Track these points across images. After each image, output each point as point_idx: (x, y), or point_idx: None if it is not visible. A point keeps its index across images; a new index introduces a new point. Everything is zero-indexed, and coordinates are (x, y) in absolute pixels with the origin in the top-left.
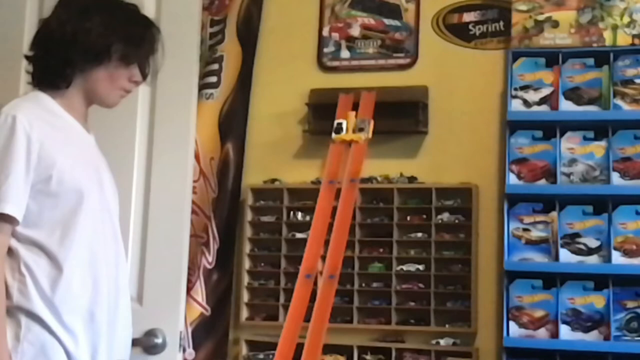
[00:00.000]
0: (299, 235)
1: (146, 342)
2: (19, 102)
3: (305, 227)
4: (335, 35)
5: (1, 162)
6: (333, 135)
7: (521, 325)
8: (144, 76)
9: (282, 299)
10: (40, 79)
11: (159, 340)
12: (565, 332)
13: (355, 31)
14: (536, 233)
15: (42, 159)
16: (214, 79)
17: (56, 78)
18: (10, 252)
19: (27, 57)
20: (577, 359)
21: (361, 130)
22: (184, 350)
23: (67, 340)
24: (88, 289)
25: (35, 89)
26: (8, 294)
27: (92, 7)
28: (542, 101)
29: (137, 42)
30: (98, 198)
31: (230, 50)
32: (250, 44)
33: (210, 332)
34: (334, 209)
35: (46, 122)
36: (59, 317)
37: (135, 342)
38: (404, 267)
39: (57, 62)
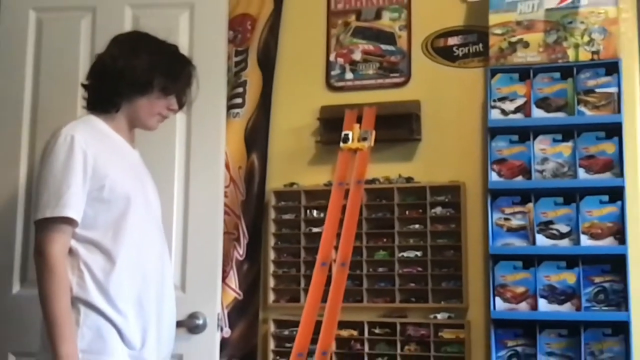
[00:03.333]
0: (315, 230)
1: (189, 324)
2: (76, 124)
3: (320, 222)
4: (340, 60)
5: (63, 174)
6: (341, 144)
7: (505, 300)
8: (181, 105)
9: (302, 284)
10: (94, 105)
11: (200, 322)
12: (543, 304)
13: (357, 56)
14: (515, 222)
15: (96, 172)
16: (239, 100)
17: (107, 104)
18: (70, 251)
19: (83, 86)
20: (553, 328)
21: (364, 139)
22: (222, 330)
23: (121, 323)
24: (137, 280)
25: (89, 113)
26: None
27: (140, 47)
28: (517, 110)
29: (176, 77)
30: (143, 203)
31: (252, 75)
32: (268, 69)
33: (243, 313)
34: (344, 206)
35: (98, 140)
36: (113, 304)
37: (179, 324)
38: (405, 254)
39: (108, 91)
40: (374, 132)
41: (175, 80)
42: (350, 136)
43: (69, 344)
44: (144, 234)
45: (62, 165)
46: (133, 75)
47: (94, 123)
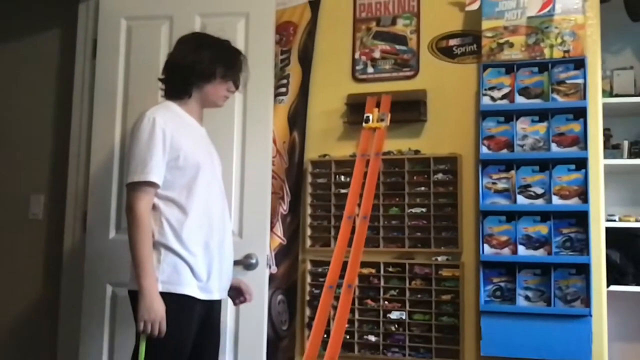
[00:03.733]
0: (342, 191)
1: (245, 262)
2: (157, 108)
3: (346, 185)
4: (364, 58)
5: (147, 148)
6: (363, 124)
7: (492, 246)
8: (237, 87)
9: (332, 233)
10: (170, 93)
11: (253, 261)
12: (521, 250)
13: (377, 54)
14: (501, 185)
15: (172, 145)
16: (284, 89)
17: (181, 92)
18: (153, 207)
19: (160, 79)
20: (529, 268)
21: (382, 120)
22: (270, 267)
23: (192, 261)
24: (204, 228)
25: (166, 100)
26: (152, 234)
27: (202, 44)
28: (503, 97)
29: (232, 66)
30: (209, 169)
31: (294, 70)
32: (307, 65)
33: (286, 255)
34: (365, 173)
35: (174, 121)
36: (185, 247)
37: (237, 263)
38: (413, 210)
39: (180, 82)
40: (389, 115)
41: (232, 68)
42: (370, 118)
43: (149, 278)
44: (210, 193)
45: (146, 141)
46: (199, 68)
47: (171, 107)
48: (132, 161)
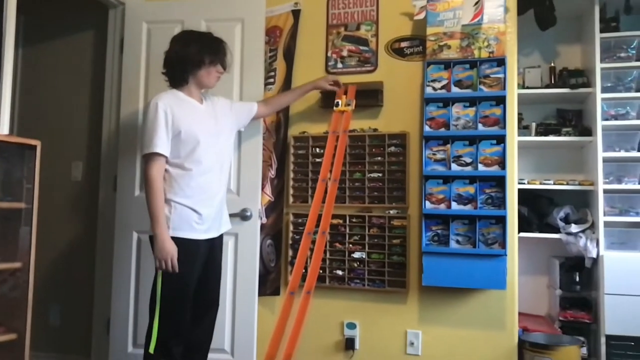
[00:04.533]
0: (317, 160)
1: (241, 215)
2: (160, 95)
3: (321, 156)
4: (334, 55)
5: (152, 127)
6: (334, 108)
7: (431, 202)
8: (224, 68)
9: (309, 192)
10: (171, 82)
11: (248, 214)
12: (454, 205)
13: (345, 53)
14: (439, 156)
15: (174, 123)
16: (272, 80)
17: (179, 81)
18: (166, 171)
19: (163, 73)
20: (460, 219)
21: (349, 105)
22: (261, 218)
23: (198, 209)
24: (206, 186)
25: (170, 88)
26: (164, 192)
27: (190, 39)
28: (442, 88)
29: (216, 52)
30: (209, 139)
31: (280, 64)
32: (290, 61)
33: (274, 209)
34: (335, 146)
35: (176, 103)
36: (192, 200)
37: (235, 215)
38: (371, 175)
39: (178, 73)
40: (354, 101)
41: (217, 54)
42: (340, 103)
43: (161, 227)
44: (210, 159)
45: (152, 121)
46: (190, 59)
47: (174, 93)
48: (143, 137)
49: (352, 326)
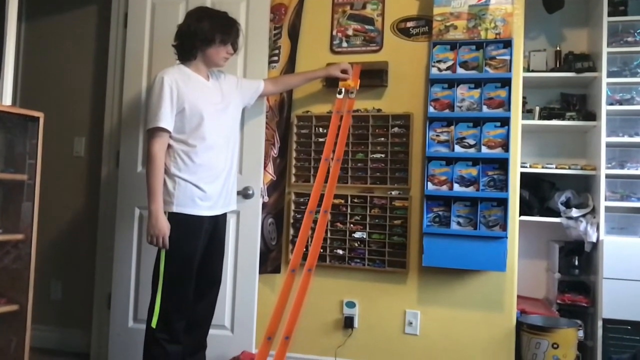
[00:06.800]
0: (320, 140)
1: (244, 193)
2: (167, 69)
3: (324, 135)
4: (339, 35)
5: (157, 101)
6: (337, 95)
7: (434, 184)
8: (235, 50)
9: (312, 172)
10: (180, 57)
11: (250, 192)
12: (456, 187)
13: (350, 32)
14: (443, 137)
15: (179, 98)
16: (276, 58)
17: (188, 55)
18: (170, 147)
19: (173, 46)
20: (462, 201)
21: (351, 93)
22: (263, 197)
23: (203, 185)
24: (211, 163)
25: (178, 62)
26: (169, 168)
27: (204, 16)
28: (447, 69)
29: (229, 32)
30: (214, 115)
31: (284, 43)
32: (295, 39)
33: (276, 188)
34: (339, 127)
35: (181, 79)
36: (196, 177)
37: (238, 193)
38: (374, 155)
39: (188, 47)
40: (357, 86)
41: (229, 34)
42: (342, 91)
43: (156, 204)
44: (215, 134)
45: (157, 96)
46: (201, 35)
47: (181, 68)
48: (148, 112)
49: (351, 305)
